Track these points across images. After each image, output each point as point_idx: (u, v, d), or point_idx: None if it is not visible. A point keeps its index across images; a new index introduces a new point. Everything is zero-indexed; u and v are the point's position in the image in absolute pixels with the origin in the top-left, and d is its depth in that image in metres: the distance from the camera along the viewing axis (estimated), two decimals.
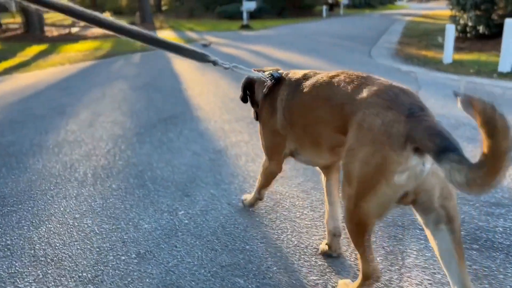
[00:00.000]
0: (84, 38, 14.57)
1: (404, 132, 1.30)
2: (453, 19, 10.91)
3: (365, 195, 1.40)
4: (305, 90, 1.77)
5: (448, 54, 7.61)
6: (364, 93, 1.47)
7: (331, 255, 2.03)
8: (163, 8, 33.64)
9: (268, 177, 2.22)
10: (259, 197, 2.40)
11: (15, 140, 3.90)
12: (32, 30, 14.24)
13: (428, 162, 1.31)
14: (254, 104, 2.22)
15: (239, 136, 3.81)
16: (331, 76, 1.68)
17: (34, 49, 12.13)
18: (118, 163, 3.27)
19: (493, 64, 6.80)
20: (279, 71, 2.06)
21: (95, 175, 3.04)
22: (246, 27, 18.14)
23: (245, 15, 18.38)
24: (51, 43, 13.27)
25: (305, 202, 2.58)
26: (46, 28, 15.71)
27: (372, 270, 1.56)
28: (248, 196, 2.49)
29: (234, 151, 3.46)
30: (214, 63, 1.97)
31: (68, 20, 23.90)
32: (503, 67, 6.40)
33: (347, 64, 7.51)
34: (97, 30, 17.71)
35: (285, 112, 1.88)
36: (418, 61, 7.95)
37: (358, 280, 1.61)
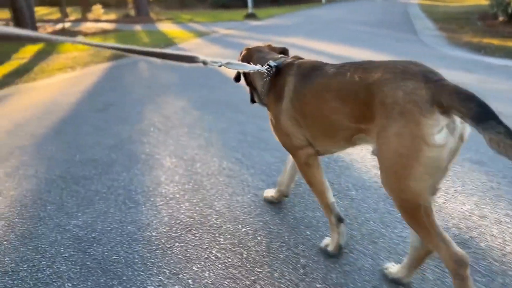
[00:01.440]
0: (82, 34, 13.01)
1: (428, 97, 1.29)
2: (496, 2, 9.84)
3: (410, 170, 1.31)
4: (315, 81, 1.68)
5: None
6: (375, 75, 1.43)
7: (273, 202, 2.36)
8: None
9: (307, 171, 1.88)
10: (329, 211, 1.91)
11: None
12: (24, 27, 12.60)
13: (457, 121, 1.30)
14: (249, 85, 2.14)
15: None
16: (338, 66, 1.63)
17: (30, 49, 10.59)
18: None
19: None
20: (280, 58, 1.97)
21: None
22: (251, 16, 16.78)
23: (250, 3, 16.99)
24: (46, 42, 11.72)
25: None
26: (38, 24, 14.04)
27: (453, 256, 1.37)
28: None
29: None
30: (204, 63, 1.88)
31: (57, 13, 22.04)
32: None
33: (415, 57, 6.35)
34: (92, 25, 16.10)
35: (294, 103, 1.77)
36: (493, 50, 6.83)
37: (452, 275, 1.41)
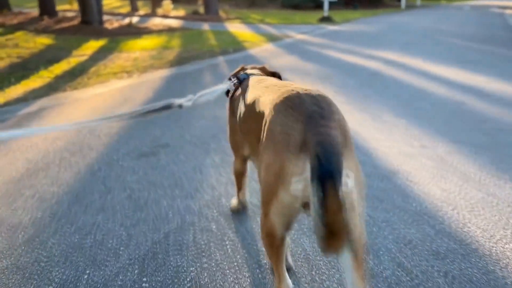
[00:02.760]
0: (148, 32, 12.16)
1: (299, 141, 1.21)
2: None
3: (269, 203, 1.29)
4: (248, 96, 1.71)
5: None
6: (277, 99, 1.38)
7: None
8: None
9: (235, 175, 2.19)
10: (238, 201, 2.33)
11: None
12: (90, 20, 11.96)
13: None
14: None
15: None
16: (265, 84, 1.65)
17: (92, 45, 9.81)
18: None
19: None
20: (248, 71, 2.03)
21: None
22: (327, 19, 15.21)
23: (326, 5, 15.42)
24: (110, 37, 10.95)
25: None
26: (104, 18, 13.42)
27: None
28: (234, 201, 2.40)
29: None
30: (180, 106, 1.82)
31: (127, 6, 21.69)
32: None
33: None
34: (160, 21, 15.32)
35: (238, 116, 1.82)
36: None
37: None
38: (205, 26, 14.03)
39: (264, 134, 1.34)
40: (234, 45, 9.64)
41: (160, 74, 6.46)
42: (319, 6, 22.10)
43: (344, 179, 1.14)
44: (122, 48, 9.47)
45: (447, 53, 7.91)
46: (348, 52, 8.21)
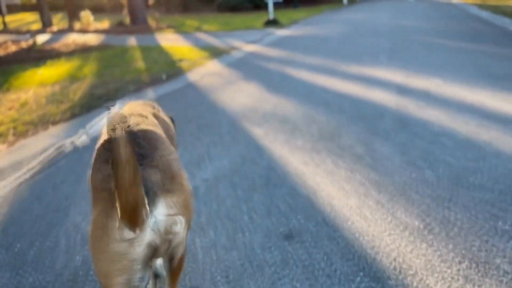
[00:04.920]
0: (55, 55, 9.27)
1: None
2: None
3: (100, 261, 1.08)
4: None
5: None
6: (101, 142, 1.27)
7: None
8: (150, 0, 27.84)
9: None
10: None
11: None
12: None
13: (159, 214, 1.09)
14: None
15: None
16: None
17: None
18: None
19: None
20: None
21: None
22: (272, 22, 13.08)
23: (271, 7, 13.26)
24: (0, 69, 8.05)
25: None
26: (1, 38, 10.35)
27: None
28: None
29: None
30: (72, 143, 1.73)
31: (31, 16, 17.97)
32: None
33: None
34: (75, 38, 12.33)
35: None
36: None
37: None
38: (131, 41, 11.35)
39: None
40: (168, 67, 7.18)
41: (46, 141, 3.89)
42: (258, 7, 20.02)
43: (175, 225, 1.11)
44: (12, 84, 6.69)
45: (458, 64, 5.97)
46: (322, 70, 6.05)
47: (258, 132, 3.56)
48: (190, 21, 16.37)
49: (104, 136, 1.26)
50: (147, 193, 1.05)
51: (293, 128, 3.60)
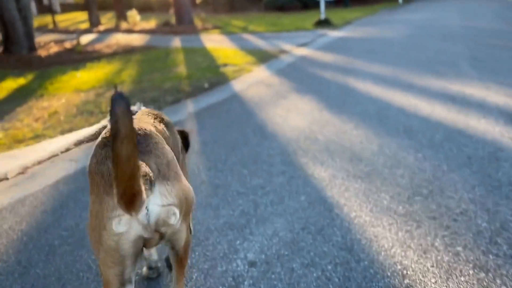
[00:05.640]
0: (96, 56, 8.78)
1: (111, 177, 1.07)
2: None
3: (97, 250, 1.12)
4: None
5: None
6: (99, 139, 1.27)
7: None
8: (197, 0, 27.40)
9: None
10: None
11: None
12: (15, 48, 8.58)
13: (154, 204, 1.08)
14: None
15: None
16: None
17: (7, 85, 6.51)
18: None
19: None
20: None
21: None
22: (324, 22, 12.03)
23: (322, 5, 12.20)
24: (40, 70, 7.61)
25: None
26: (45, 39, 10.05)
27: None
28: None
29: None
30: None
31: (83, 15, 17.81)
32: None
33: None
34: (120, 38, 11.91)
35: None
36: None
37: None
38: (176, 42, 10.73)
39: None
40: (211, 73, 6.40)
41: (71, 166, 3.16)
42: (307, 7, 18.96)
43: (169, 218, 1.10)
44: (47, 89, 6.17)
45: None
46: (392, 83, 4.98)
47: (323, 175, 2.64)
48: (237, 21, 15.62)
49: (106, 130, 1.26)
50: (144, 177, 1.02)
51: (371, 173, 2.64)
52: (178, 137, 1.60)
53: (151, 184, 1.05)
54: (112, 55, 8.86)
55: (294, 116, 3.96)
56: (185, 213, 1.16)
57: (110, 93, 5.69)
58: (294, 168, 2.78)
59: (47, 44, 10.01)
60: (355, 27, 11.28)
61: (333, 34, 10.24)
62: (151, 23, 15.53)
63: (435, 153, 2.84)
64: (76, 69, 7.54)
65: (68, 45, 10.03)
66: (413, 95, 4.24)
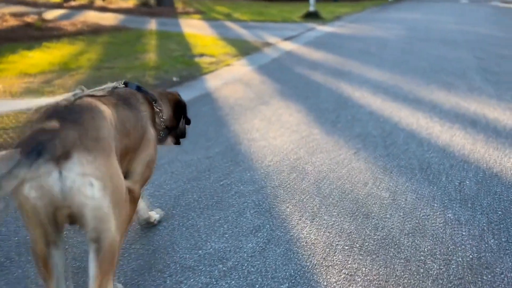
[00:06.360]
0: (58, 35, 7.59)
1: (32, 136, 1.10)
2: None
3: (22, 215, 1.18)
4: None
5: None
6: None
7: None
8: None
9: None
10: None
11: None
12: None
13: (69, 170, 1.05)
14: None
15: None
16: None
17: None
18: None
19: None
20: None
21: None
22: (312, 15, 11.14)
23: None
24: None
25: None
26: (8, 10, 8.78)
27: None
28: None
29: None
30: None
31: None
32: None
33: None
34: (93, 14, 10.67)
35: None
36: None
37: None
38: (151, 24, 9.64)
39: None
40: (184, 65, 5.45)
41: None
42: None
43: (85, 187, 1.07)
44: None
45: None
46: (395, 96, 4.11)
47: (314, 241, 1.78)
48: (221, 7, 14.53)
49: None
50: (54, 147, 1.03)
51: (384, 242, 1.78)
52: (143, 114, 1.56)
53: (66, 152, 1.03)
54: (75, 35, 7.73)
55: (277, 130, 3.08)
56: (114, 203, 1.11)
57: (60, 81, 4.69)
58: (272, 223, 1.92)
59: (2, 17, 8.74)
60: (345, 23, 10.43)
61: (322, 28, 9.37)
62: (129, 2, 14.26)
63: (472, 214, 1.98)
64: (30, 48, 6.42)
65: (29, 19, 8.79)
66: (422, 114, 3.40)
